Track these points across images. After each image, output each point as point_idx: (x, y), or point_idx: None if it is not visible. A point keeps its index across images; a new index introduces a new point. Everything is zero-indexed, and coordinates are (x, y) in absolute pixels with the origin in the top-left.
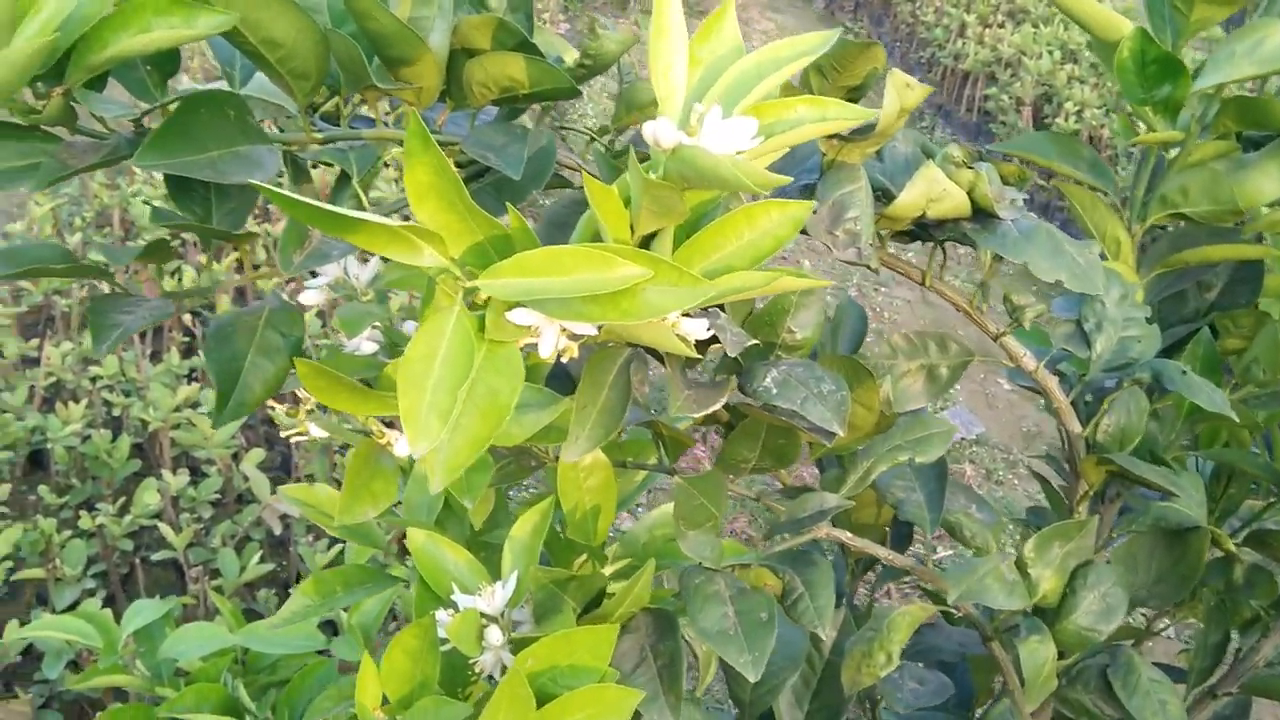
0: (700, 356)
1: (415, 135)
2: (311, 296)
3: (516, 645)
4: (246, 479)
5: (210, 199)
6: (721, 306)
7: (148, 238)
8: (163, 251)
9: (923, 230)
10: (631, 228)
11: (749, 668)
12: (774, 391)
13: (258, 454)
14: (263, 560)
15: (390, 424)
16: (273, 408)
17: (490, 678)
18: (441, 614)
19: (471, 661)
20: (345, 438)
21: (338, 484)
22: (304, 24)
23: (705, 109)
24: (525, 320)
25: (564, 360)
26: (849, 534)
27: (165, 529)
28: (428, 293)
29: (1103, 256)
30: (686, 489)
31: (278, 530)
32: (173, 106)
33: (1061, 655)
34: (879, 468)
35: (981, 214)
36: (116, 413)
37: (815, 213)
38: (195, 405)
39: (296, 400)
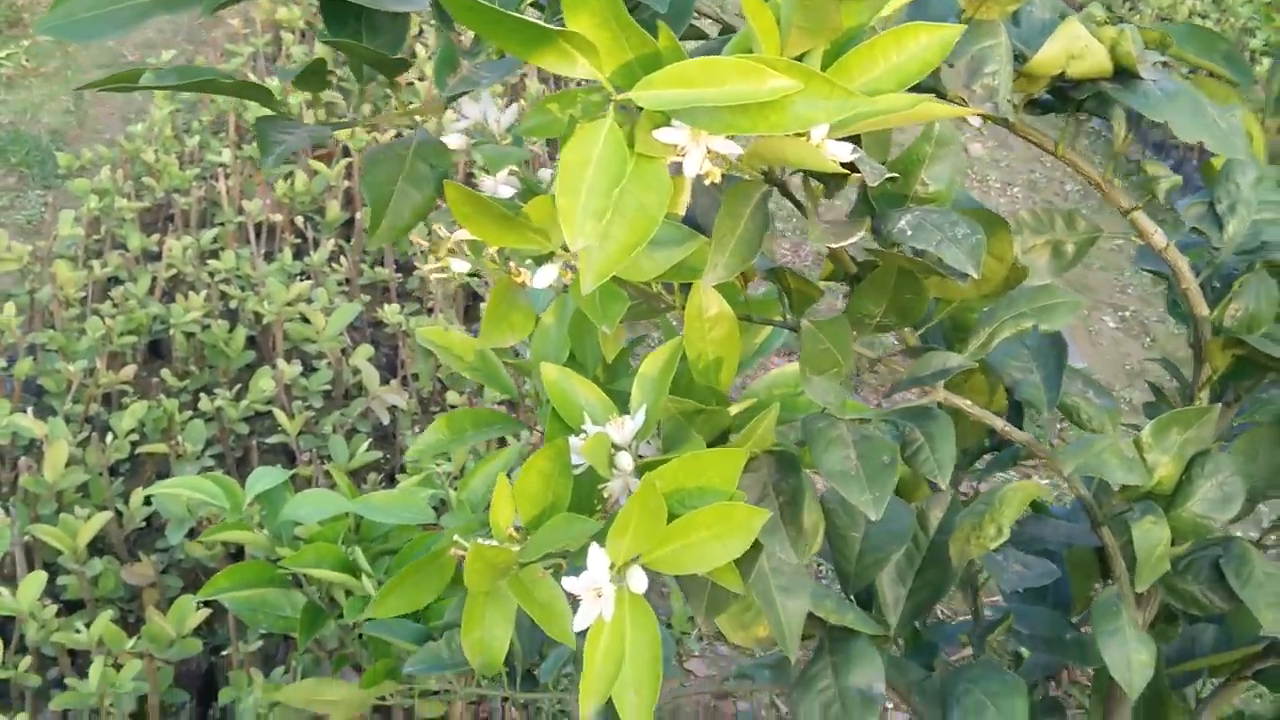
0: (845, 174)
1: None
2: (455, 140)
3: (644, 473)
4: (357, 372)
5: (362, 31)
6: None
7: None
8: (318, 76)
9: (1057, 99)
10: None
11: (870, 506)
12: (909, 233)
13: (366, 349)
14: (370, 449)
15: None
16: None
17: (619, 503)
18: (574, 439)
19: (601, 488)
20: (488, 270)
21: (440, 386)
22: None
23: None
24: (672, 138)
25: (706, 183)
26: (969, 402)
27: (279, 414)
28: (569, 124)
29: None
30: (813, 332)
31: (385, 420)
32: None
33: (1174, 543)
34: (1003, 333)
35: (1123, 73)
36: (233, 305)
37: (952, 66)
38: (309, 301)
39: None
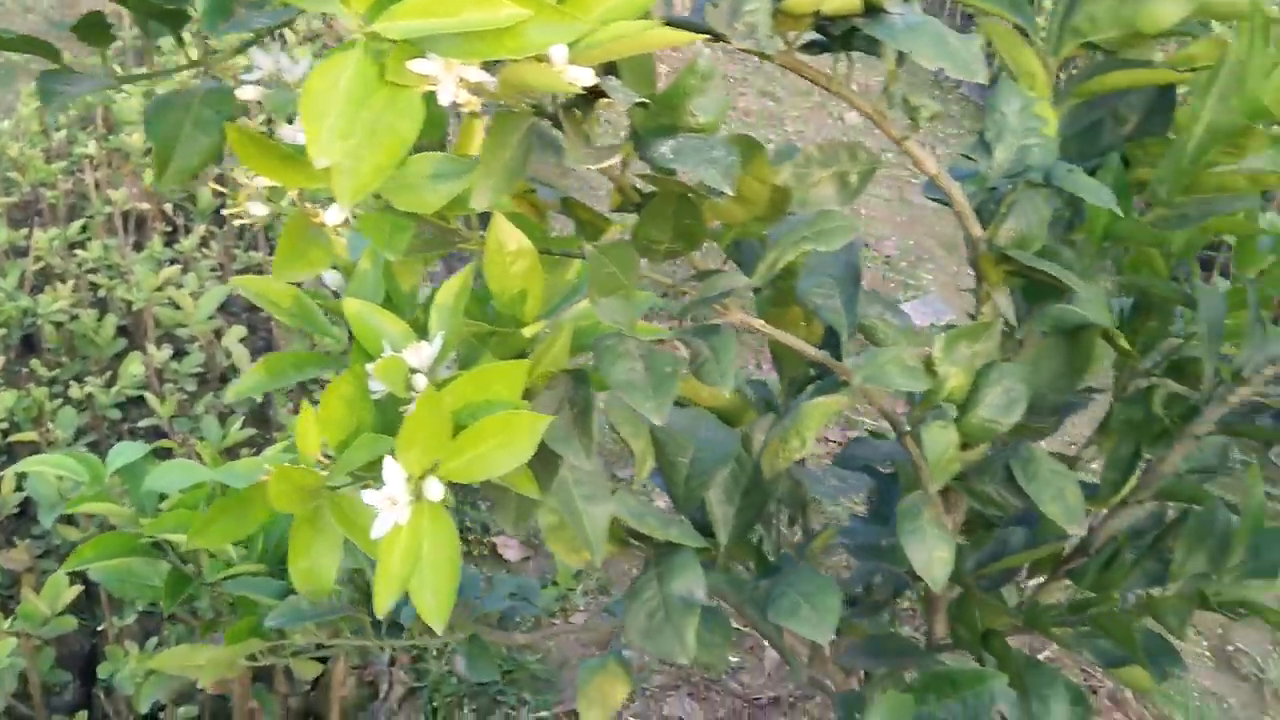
0: (593, 99)
1: None
2: (248, 91)
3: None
4: (229, 355)
5: None
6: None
7: (129, 132)
8: (98, 28)
9: (827, 38)
10: None
11: (653, 412)
12: (670, 157)
13: (239, 330)
14: (244, 428)
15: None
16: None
17: None
18: (371, 366)
19: (402, 410)
20: (283, 211)
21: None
22: None
23: None
24: (425, 69)
25: (465, 112)
26: (762, 322)
27: (151, 398)
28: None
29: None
30: (598, 257)
31: (259, 399)
32: None
33: (966, 447)
34: (786, 256)
35: (873, 9)
36: (102, 294)
37: (716, 7)
38: (179, 286)
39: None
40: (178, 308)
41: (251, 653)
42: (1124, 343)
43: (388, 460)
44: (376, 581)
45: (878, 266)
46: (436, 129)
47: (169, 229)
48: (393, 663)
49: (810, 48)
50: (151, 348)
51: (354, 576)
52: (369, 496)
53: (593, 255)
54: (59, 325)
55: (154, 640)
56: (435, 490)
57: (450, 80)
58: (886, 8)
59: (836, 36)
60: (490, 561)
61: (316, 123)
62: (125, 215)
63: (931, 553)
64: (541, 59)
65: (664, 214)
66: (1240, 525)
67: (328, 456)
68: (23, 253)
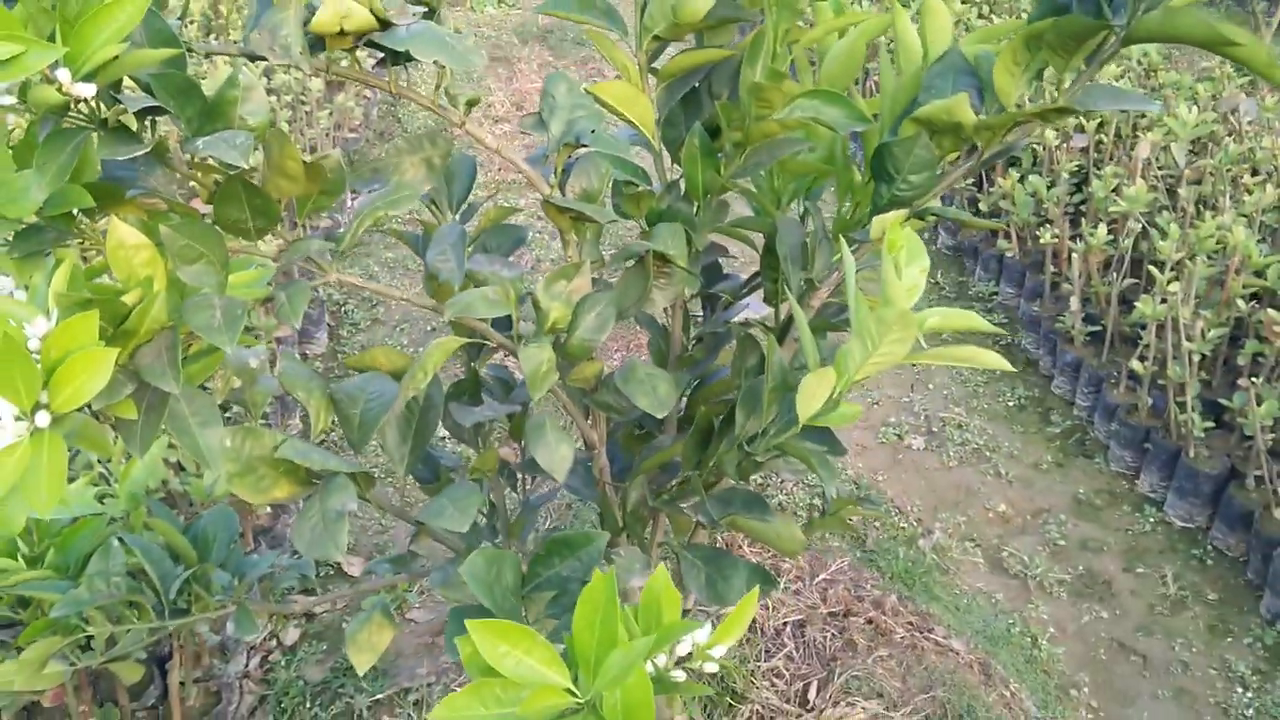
0: (70, 99)
1: None
2: None
3: None
4: None
5: None
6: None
7: None
8: None
9: (388, 53)
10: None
11: (225, 344)
12: (200, 148)
13: None
14: None
15: None
16: None
17: None
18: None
19: None
20: None
21: None
22: None
23: None
24: None
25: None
26: (357, 277)
27: None
28: None
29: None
30: (172, 235)
31: None
32: None
33: (571, 361)
34: (366, 222)
35: (387, 25)
36: None
37: (259, 34)
38: None
39: None
40: None
41: (58, 652)
42: (682, 264)
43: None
44: None
45: None
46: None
47: None
48: (246, 676)
49: (381, 64)
50: None
51: (137, 573)
52: None
53: (167, 234)
54: None
55: None
56: (43, 419)
57: None
58: (395, 22)
59: (385, 49)
60: (336, 578)
61: None
62: None
63: (554, 453)
64: (52, 80)
65: (234, 196)
66: (765, 388)
67: None
68: None
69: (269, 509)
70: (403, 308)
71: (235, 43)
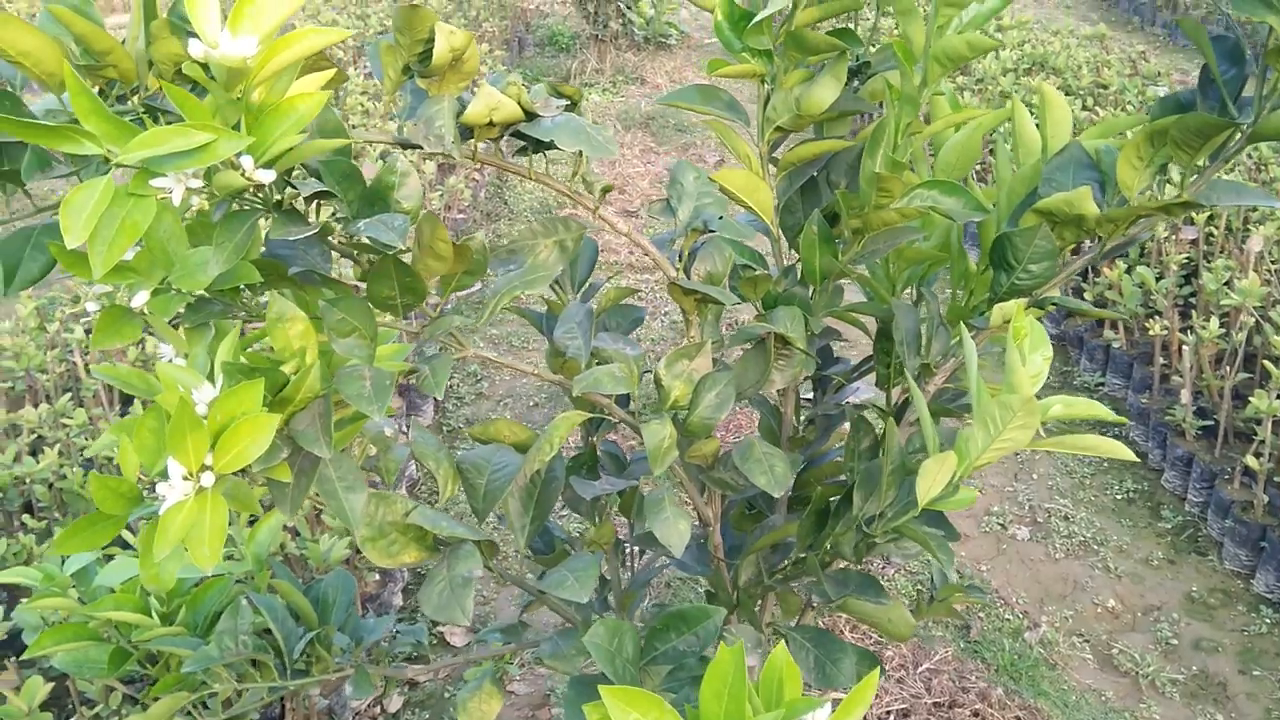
0: (260, 183)
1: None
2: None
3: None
4: None
5: None
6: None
7: None
8: None
9: (530, 141)
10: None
11: (375, 412)
12: (363, 229)
13: None
14: None
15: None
16: None
17: None
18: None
19: None
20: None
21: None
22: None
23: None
24: (161, 184)
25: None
26: (493, 354)
27: None
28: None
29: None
30: (329, 309)
31: None
32: None
33: (691, 440)
34: (504, 300)
35: (532, 116)
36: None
37: (415, 125)
38: None
39: None
40: None
41: (182, 709)
42: (801, 346)
43: (169, 459)
44: (156, 540)
45: None
46: (176, 220)
47: None
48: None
49: (521, 152)
50: None
51: (261, 632)
52: (160, 486)
53: (325, 308)
54: (50, 485)
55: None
56: (208, 479)
57: (179, 187)
58: (541, 114)
59: (529, 138)
60: (438, 647)
61: (71, 218)
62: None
63: (672, 528)
64: (236, 166)
65: (386, 274)
66: (883, 471)
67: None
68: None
69: (377, 576)
70: (506, 383)
71: (389, 131)
